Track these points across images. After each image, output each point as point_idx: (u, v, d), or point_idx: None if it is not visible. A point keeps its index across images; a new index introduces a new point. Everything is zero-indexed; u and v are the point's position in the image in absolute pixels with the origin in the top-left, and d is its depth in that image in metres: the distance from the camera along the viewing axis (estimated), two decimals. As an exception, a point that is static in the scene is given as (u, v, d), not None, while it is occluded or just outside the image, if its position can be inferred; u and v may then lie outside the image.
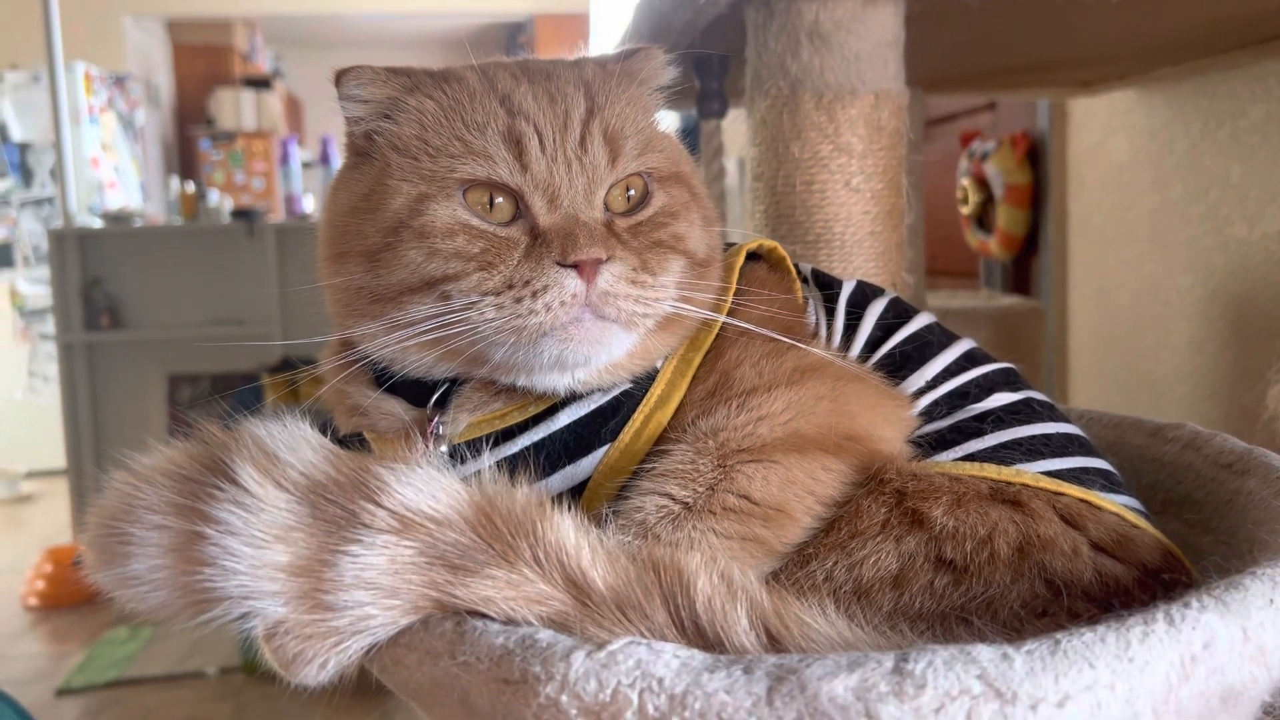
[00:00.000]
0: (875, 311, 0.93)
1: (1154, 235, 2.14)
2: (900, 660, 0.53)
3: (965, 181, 2.69)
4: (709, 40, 1.36)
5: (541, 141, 0.77)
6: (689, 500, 0.75)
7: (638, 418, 0.82)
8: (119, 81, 6.66)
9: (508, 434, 0.82)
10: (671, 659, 0.56)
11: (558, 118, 0.79)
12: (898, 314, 0.93)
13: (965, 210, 2.70)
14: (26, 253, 6.30)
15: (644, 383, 0.83)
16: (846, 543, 0.75)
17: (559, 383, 0.80)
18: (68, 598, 4.29)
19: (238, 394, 4.91)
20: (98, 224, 5.05)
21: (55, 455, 5.46)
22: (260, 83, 7.98)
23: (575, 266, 0.74)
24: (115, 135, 6.52)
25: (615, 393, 0.82)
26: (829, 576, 0.73)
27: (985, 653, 0.53)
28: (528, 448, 0.81)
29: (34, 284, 6.28)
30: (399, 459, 0.66)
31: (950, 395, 0.87)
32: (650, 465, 0.79)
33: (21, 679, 3.53)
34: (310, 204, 5.85)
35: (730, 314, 0.85)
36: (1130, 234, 2.22)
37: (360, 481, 0.64)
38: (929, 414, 0.86)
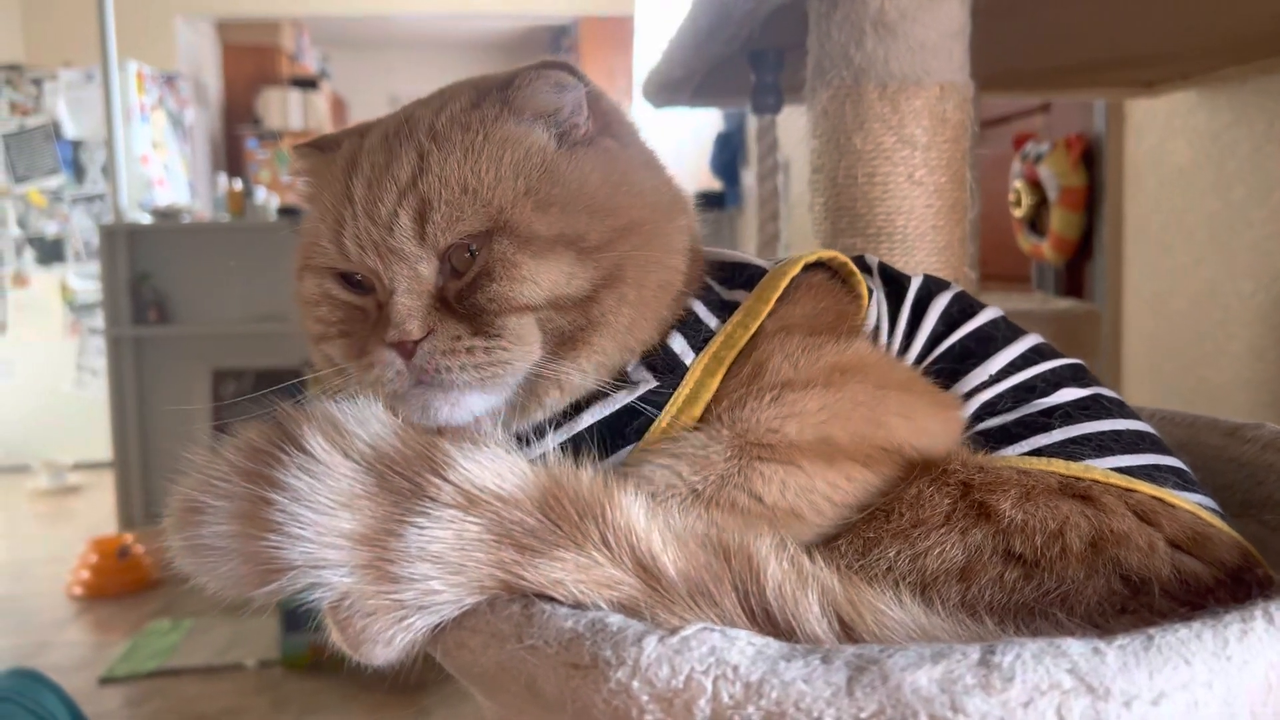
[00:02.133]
0: (939, 306, 0.90)
1: (1214, 239, 2.10)
2: (987, 652, 0.51)
3: (1018, 184, 2.66)
4: (768, 31, 1.34)
5: (356, 229, 0.79)
6: (698, 486, 0.74)
7: (664, 418, 0.80)
8: (169, 80, 6.75)
9: (539, 430, 0.81)
10: (746, 646, 0.54)
11: (373, 197, 0.80)
12: (962, 308, 0.91)
13: (1018, 213, 2.66)
14: (78, 248, 6.39)
15: (672, 381, 0.81)
16: (909, 531, 0.73)
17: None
18: (112, 588, 4.33)
19: (280, 390, 4.94)
20: (147, 220, 5.10)
21: (101, 447, 5.53)
22: (307, 83, 8.06)
23: (394, 345, 0.77)
24: (165, 133, 6.60)
25: (641, 390, 0.81)
26: (891, 567, 0.71)
27: (1076, 646, 0.51)
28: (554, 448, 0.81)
29: (84, 279, 6.37)
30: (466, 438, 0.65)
31: (1016, 389, 0.84)
32: (674, 444, 0.77)
33: (66, 667, 3.57)
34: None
35: (768, 319, 0.84)
36: (1189, 238, 2.18)
37: (426, 455, 0.63)
38: (993, 407, 0.84)
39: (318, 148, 0.89)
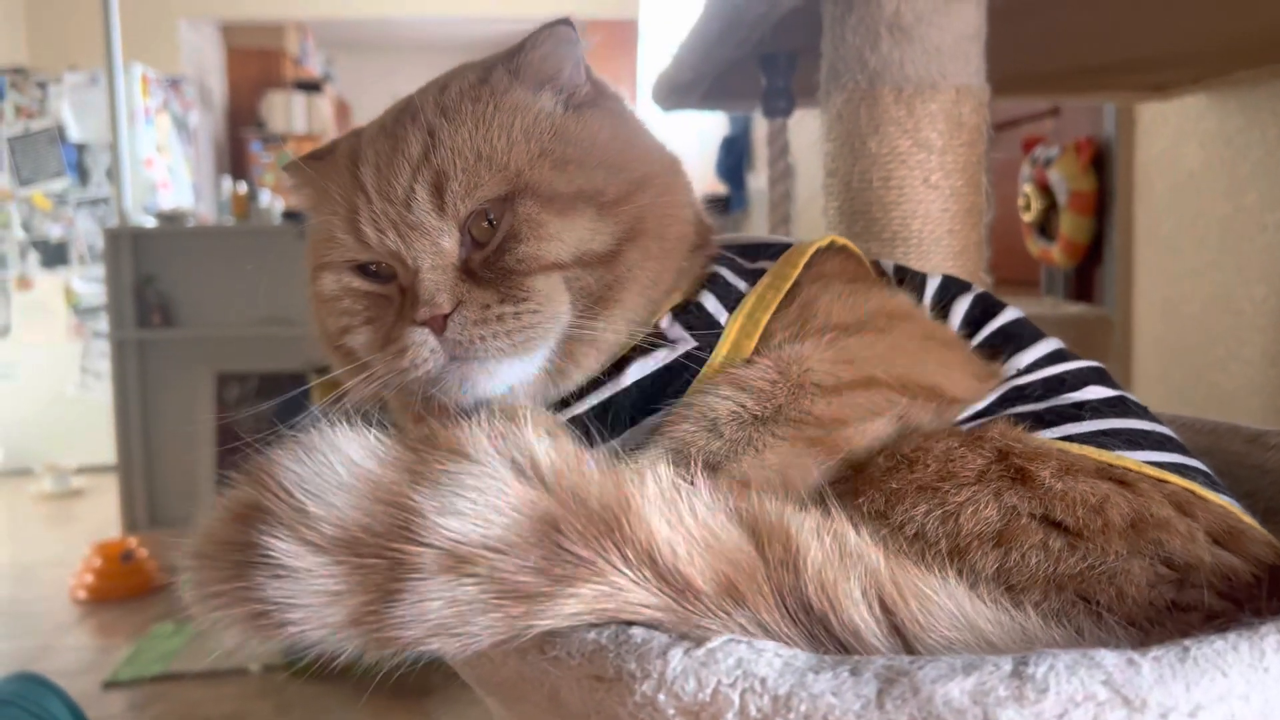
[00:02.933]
0: (962, 306, 0.91)
1: (1226, 244, 2.09)
2: (1020, 663, 0.50)
3: (1028, 188, 2.65)
4: (780, 35, 1.33)
5: (372, 212, 0.80)
6: (758, 413, 0.75)
7: (705, 374, 0.80)
8: (174, 84, 6.75)
9: (578, 392, 0.82)
10: (774, 658, 0.53)
11: (385, 179, 0.80)
12: (985, 308, 0.91)
13: (1027, 217, 2.65)
14: (82, 251, 6.38)
15: (709, 339, 0.82)
16: (937, 485, 0.71)
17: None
18: (115, 592, 4.33)
19: (285, 397, 4.94)
20: (152, 224, 5.10)
21: (105, 451, 5.52)
22: (311, 86, 8.05)
23: (426, 323, 0.77)
24: (169, 136, 6.60)
25: (682, 349, 0.81)
26: (920, 532, 0.69)
27: (1110, 658, 0.50)
28: (594, 407, 0.81)
29: (88, 282, 6.36)
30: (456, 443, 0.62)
31: (1047, 380, 0.85)
32: (732, 371, 0.78)
33: (70, 670, 3.57)
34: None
35: (794, 285, 0.85)
36: (1200, 243, 2.17)
37: (396, 523, 0.59)
38: (1023, 392, 0.84)
39: (312, 158, 0.90)
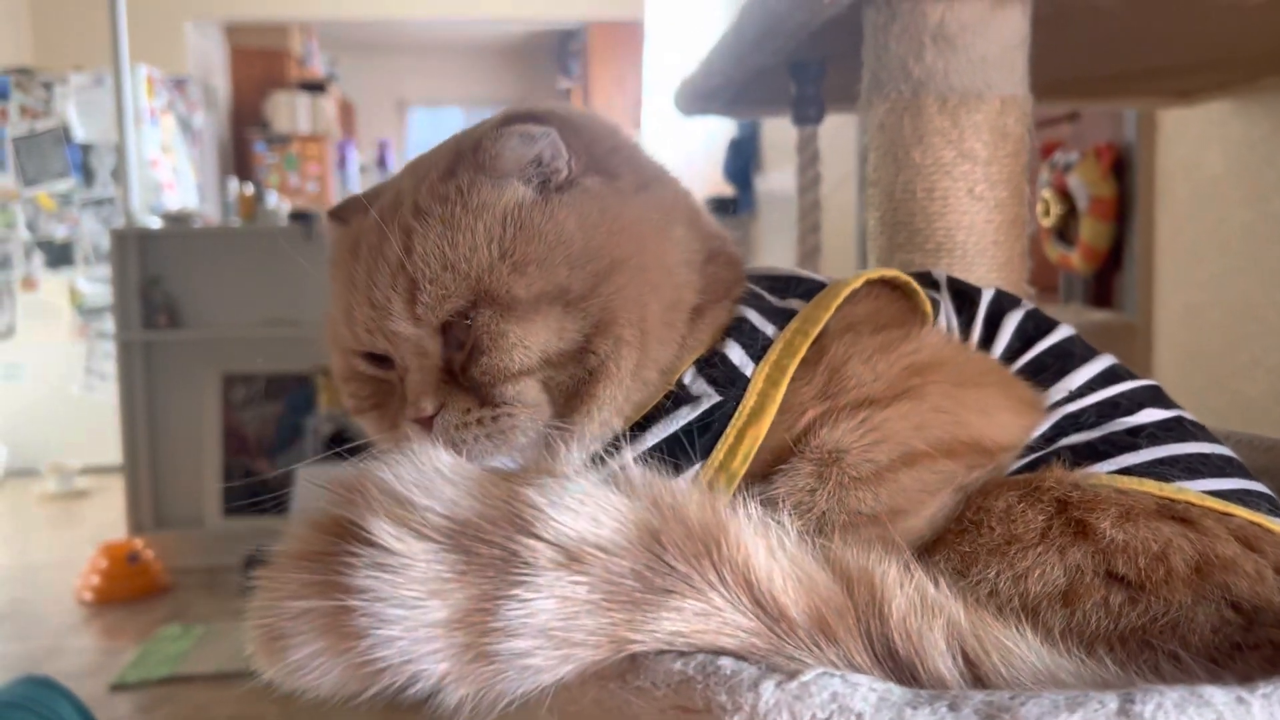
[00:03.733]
0: (1013, 322, 0.89)
1: (1250, 250, 2.08)
2: (1126, 700, 0.49)
3: (1046, 193, 2.63)
4: (815, 42, 1.32)
5: (362, 314, 0.81)
6: (801, 528, 0.73)
7: (730, 433, 0.78)
8: (179, 84, 6.73)
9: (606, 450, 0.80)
10: (868, 692, 0.52)
11: (370, 282, 0.80)
12: (1038, 324, 0.89)
13: (1046, 223, 2.64)
14: (87, 252, 6.37)
15: (735, 393, 0.79)
16: (1004, 549, 0.71)
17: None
18: (122, 593, 4.32)
19: (290, 395, 4.96)
20: (158, 224, 5.09)
21: (109, 452, 5.51)
22: (315, 87, 8.04)
23: (415, 421, 0.78)
24: (174, 137, 6.59)
25: (705, 406, 0.79)
26: (994, 591, 0.69)
27: (1218, 695, 0.49)
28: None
29: (94, 283, 6.35)
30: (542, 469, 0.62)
31: (1100, 405, 0.83)
32: (768, 486, 0.75)
33: (76, 673, 3.56)
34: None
35: (827, 325, 0.82)
36: (1224, 249, 2.16)
37: (512, 513, 0.57)
38: (1077, 420, 0.82)
39: (340, 217, 0.90)
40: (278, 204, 5.21)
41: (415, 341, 0.79)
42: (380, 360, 0.83)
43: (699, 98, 1.79)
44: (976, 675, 0.57)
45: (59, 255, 6.39)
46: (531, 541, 0.56)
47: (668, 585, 0.56)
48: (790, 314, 0.84)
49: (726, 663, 0.55)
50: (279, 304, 4.93)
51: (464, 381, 0.78)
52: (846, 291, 0.84)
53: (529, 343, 0.77)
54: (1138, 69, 1.83)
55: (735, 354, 0.81)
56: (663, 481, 0.61)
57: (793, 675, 0.53)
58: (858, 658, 0.57)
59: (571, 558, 0.56)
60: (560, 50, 9.35)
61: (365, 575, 0.56)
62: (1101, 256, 2.51)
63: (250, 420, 4.96)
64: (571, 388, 0.79)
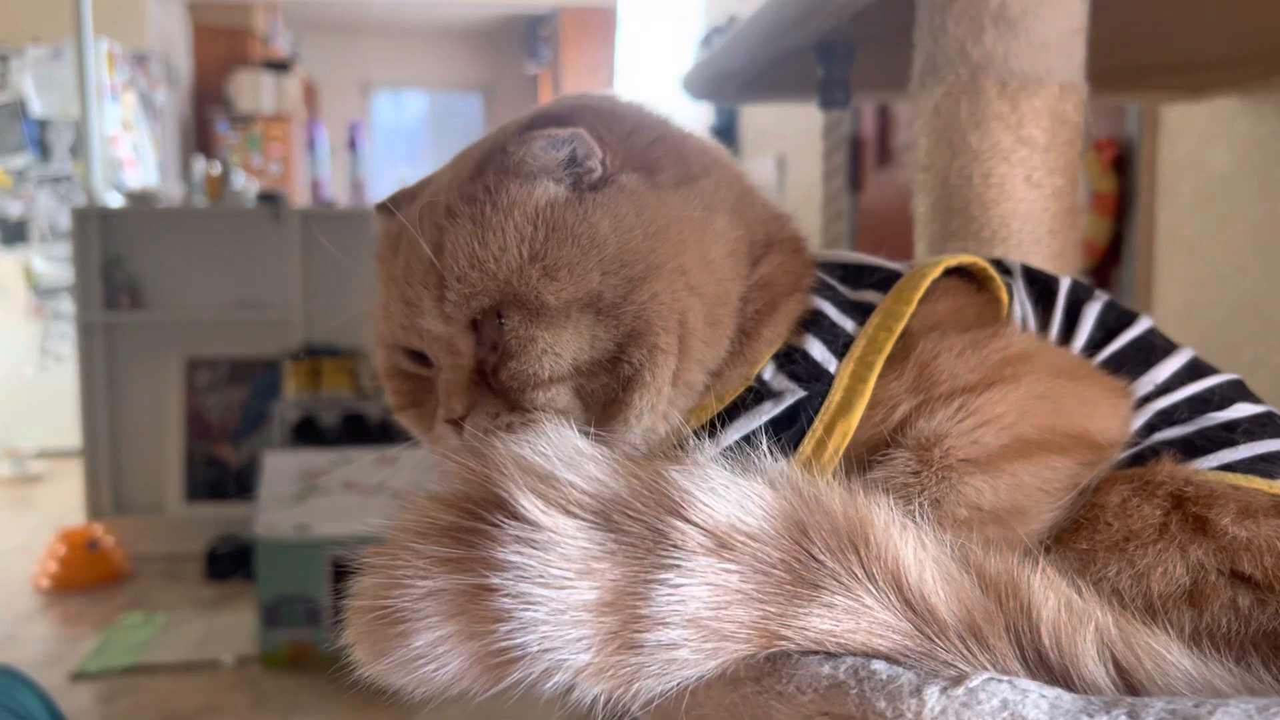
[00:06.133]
0: (1094, 311, 0.86)
1: (1256, 248, 2.08)
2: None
3: (1042, 188, 2.62)
4: (859, 24, 1.29)
5: (398, 309, 0.79)
6: (914, 516, 0.70)
7: (817, 427, 0.75)
8: (140, 60, 6.57)
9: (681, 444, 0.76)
10: (1039, 699, 0.48)
11: (406, 278, 0.78)
12: (1118, 316, 0.87)
13: (1041, 217, 2.63)
14: (43, 230, 6.21)
15: (820, 389, 0.76)
16: (1123, 545, 0.68)
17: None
18: (81, 580, 4.25)
19: (256, 381, 4.88)
20: (119, 203, 4.97)
21: (65, 435, 5.40)
22: (279, 66, 7.89)
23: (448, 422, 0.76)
24: (135, 114, 6.44)
25: (789, 401, 0.76)
26: (1115, 590, 0.66)
27: None
28: None
29: (50, 261, 6.19)
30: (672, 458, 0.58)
31: (1192, 400, 0.80)
32: (871, 474, 0.72)
33: (35, 661, 3.48)
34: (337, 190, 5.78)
35: (909, 323, 0.79)
36: (1229, 247, 2.16)
37: (660, 493, 0.53)
38: (1170, 416, 0.80)
39: (388, 210, 0.86)
40: (245, 184, 5.10)
41: (446, 340, 0.76)
42: (420, 358, 0.81)
43: (713, 81, 1.75)
44: (1130, 684, 0.54)
45: (14, 233, 6.23)
46: (681, 524, 0.53)
47: (817, 579, 0.53)
48: (867, 307, 0.81)
49: (880, 666, 0.51)
50: (246, 287, 4.87)
51: (495, 385, 0.75)
52: (927, 283, 0.81)
53: (559, 350, 0.74)
54: (1152, 63, 1.81)
55: (816, 350, 0.78)
56: (800, 472, 0.57)
57: (957, 680, 0.49)
58: (1009, 664, 0.53)
59: (721, 544, 0.52)
60: (530, 35, 9.27)
61: (511, 550, 0.51)
62: (1100, 252, 2.51)
63: (214, 405, 4.87)
64: (603, 398, 0.75)
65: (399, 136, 9.68)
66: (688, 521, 0.53)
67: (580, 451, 0.56)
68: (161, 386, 4.81)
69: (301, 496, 3.59)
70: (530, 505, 0.52)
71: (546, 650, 0.51)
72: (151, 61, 6.68)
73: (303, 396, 4.51)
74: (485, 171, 0.78)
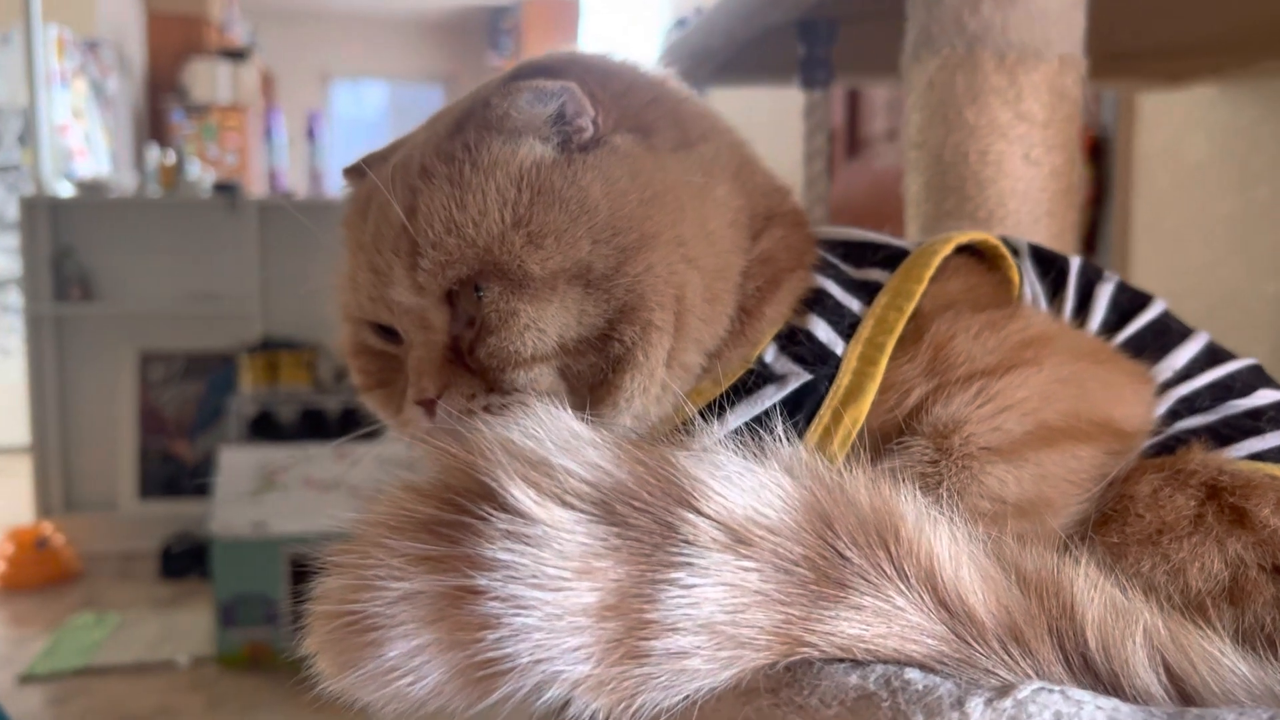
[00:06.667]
0: (1106, 293, 0.82)
1: (1234, 239, 2.06)
2: None
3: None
4: (832, 1, 1.24)
5: (366, 279, 0.72)
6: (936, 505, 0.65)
7: (824, 413, 0.70)
8: (92, 47, 6.41)
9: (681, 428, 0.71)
10: (1095, 711, 0.43)
11: (375, 245, 0.71)
12: (1131, 298, 0.83)
13: (1016, 207, 2.61)
14: (-11, 219, 6.05)
15: (826, 372, 0.71)
16: (1156, 539, 0.64)
17: None
18: (30, 580, 4.15)
19: (212, 375, 4.77)
20: (70, 192, 4.85)
21: (14, 431, 5.25)
22: (236, 55, 7.74)
23: (418, 403, 0.70)
24: (86, 102, 6.28)
25: (794, 385, 0.70)
26: (1151, 586, 0.62)
27: None
28: None
29: (-3, 252, 6.04)
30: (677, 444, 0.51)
31: (1214, 386, 0.77)
32: (884, 464, 0.67)
33: (-19, 664, 3.37)
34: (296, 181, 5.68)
35: (916, 310, 0.75)
36: (1206, 237, 2.14)
37: (668, 481, 0.47)
38: (1192, 403, 0.76)
39: (360, 170, 0.79)
40: (200, 174, 4.98)
41: (418, 313, 0.70)
42: (389, 333, 0.74)
43: (692, 59, 1.69)
44: (1182, 692, 0.49)
45: (-40, 223, 6.06)
46: (692, 516, 0.46)
47: (844, 578, 0.47)
48: (873, 286, 0.76)
49: (915, 675, 0.45)
50: (201, 278, 4.76)
51: (471, 363, 0.69)
52: (938, 261, 0.77)
53: (543, 325, 0.67)
54: (1131, 48, 1.78)
55: (821, 331, 0.73)
56: (819, 459, 0.51)
57: (1004, 691, 0.44)
58: (1053, 670, 0.48)
59: (738, 539, 0.46)
60: (492, 26, 9.17)
61: (501, 547, 0.45)
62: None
63: (169, 400, 4.76)
64: (591, 379, 0.69)
65: (359, 127, 9.55)
66: (699, 514, 0.47)
67: (576, 435, 0.49)
68: (114, 380, 4.69)
69: (259, 493, 3.52)
70: (521, 495, 0.46)
71: (540, 661, 0.44)
72: (103, 48, 6.52)
73: (260, 391, 4.41)
74: (465, 128, 0.71)
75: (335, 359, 4.53)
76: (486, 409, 0.67)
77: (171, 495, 4.68)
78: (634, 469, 0.48)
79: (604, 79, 0.74)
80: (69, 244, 4.63)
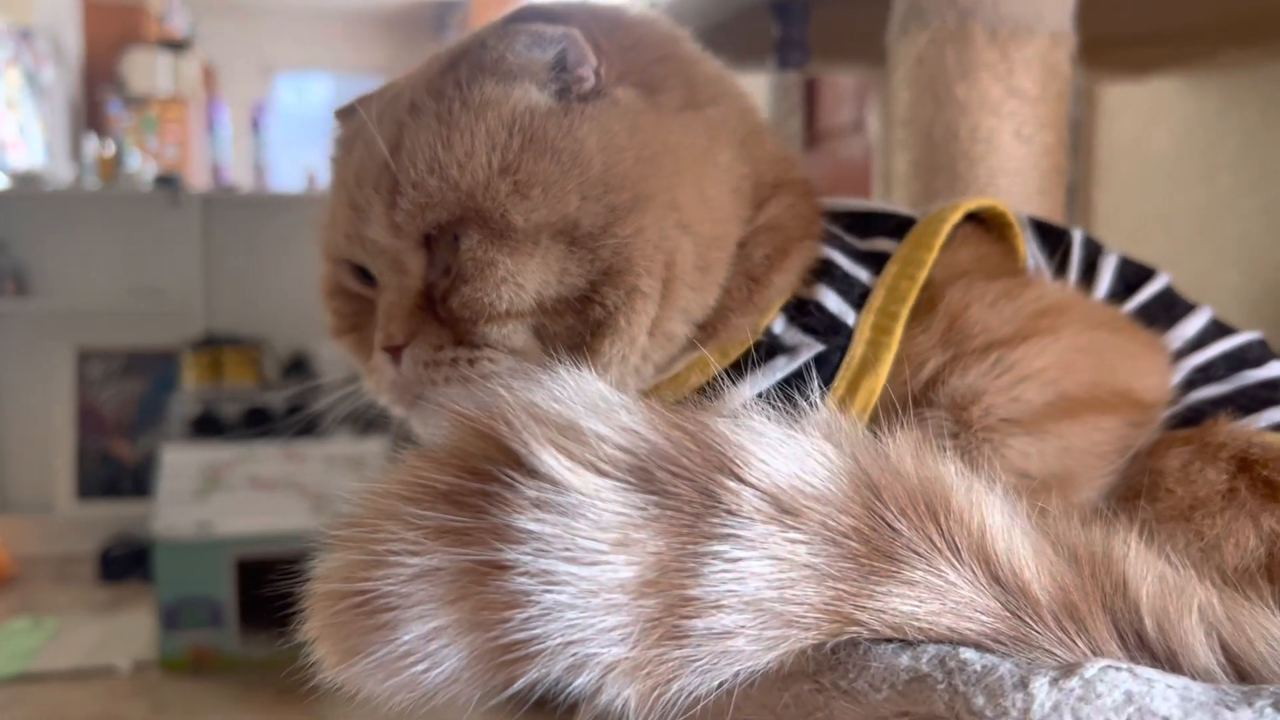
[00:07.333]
0: (1111, 264, 0.82)
1: (1199, 230, 2.07)
2: None
3: (977, 170, 2.60)
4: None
5: (344, 216, 0.70)
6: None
7: (839, 385, 0.68)
8: (25, 36, 6.23)
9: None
10: (1166, 690, 0.40)
11: (358, 180, 0.69)
12: (1135, 270, 0.83)
13: (976, 200, 2.61)
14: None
15: (838, 343, 0.69)
16: (1188, 514, 0.63)
17: None
18: (-39, 584, 4.02)
19: (153, 373, 4.66)
20: (3, 184, 4.72)
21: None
22: (176, 46, 7.58)
23: (385, 349, 0.68)
24: (20, 92, 6.11)
25: (805, 356, 0.68)
26: (1185, 561, 0.60)
27: None
28: None
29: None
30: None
31: (1228, 357, 0.76)
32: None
33: (-89, 671, 3.27)
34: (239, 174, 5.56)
35: (931, 272, 0.72)
36: (1170, 228, 2.14)
37: (708, 445, 0.43)
38: (1207, 373, 0.75)
39: (352, 110, 0.76)
40: (141, 165, 4.86)
41: (393, 255, 0.67)
42: (366, 275, 0.72)
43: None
44: (1240, 670, 0.46)
45: (-113, 216, 5.85)
46: (734, 484, 0.42)
47: (893, 551, 0.43)
48: (880, 256, 0.74)
49: (971, 655, 0.42)
50: (142, 273, 4.66)
51: (443, 313, 0.66)
52: (947, 228, 0.74)
53: (521, 280, 0.64)
54: (1097, 35, 1.78)
55: (831, 301, 0.71)
56: (859, 426, 0.48)
57: (1069, 670, 0.40)
58: (1109, 648, 0.45)
59: (783, 509, 0.43)
60: (438, 19, 9.07)
61: (530, 517, 0.40)
62: (1036, 235, 2.50)
63: (108, 398, 4.64)
64: (570, 343, 0.66)
65: (303, 121, 9.39)
66: (742, 482, 0.42)
67: (605, 398, 0.45)
68: (50, 379, 4.57)
69: (203, 493, 3.43)
70: (553, 461, 0.41)
71: (571, 643, 0.40)
72: (37, 38, 6.34)
73: (203, 388, 4.31)
74: (458, 65, 0.68)
75: (279, 356, 4.45)
76: (452, 362, 0.65)
77: (111, 496, 4.56)
78: (670, 433, 0.44)
79: (611, 29, 0.70)
80: (2, 238, 4.52)
